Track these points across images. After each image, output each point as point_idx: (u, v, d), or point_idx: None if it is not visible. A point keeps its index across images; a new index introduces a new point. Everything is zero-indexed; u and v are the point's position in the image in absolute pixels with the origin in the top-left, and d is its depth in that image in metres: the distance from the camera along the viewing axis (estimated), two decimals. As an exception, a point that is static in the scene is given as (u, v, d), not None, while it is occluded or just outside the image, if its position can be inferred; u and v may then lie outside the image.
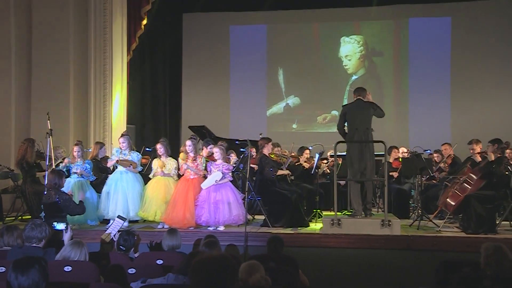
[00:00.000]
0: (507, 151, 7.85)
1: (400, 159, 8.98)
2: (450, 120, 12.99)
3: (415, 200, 8.76)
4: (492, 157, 6.98)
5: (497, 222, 7.07)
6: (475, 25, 12.83)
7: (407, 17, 13.25)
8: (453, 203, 7.09)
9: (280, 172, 7.96)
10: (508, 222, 7.43)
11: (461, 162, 8.45)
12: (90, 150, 8.55)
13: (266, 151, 7.88)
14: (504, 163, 7.08)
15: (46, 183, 6.80)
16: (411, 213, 8.60)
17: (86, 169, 7.57)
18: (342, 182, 8.23)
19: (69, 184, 7.36)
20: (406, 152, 9.27)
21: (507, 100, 12.73)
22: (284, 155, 8.56)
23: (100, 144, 8.51)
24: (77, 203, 6.50)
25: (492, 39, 12.71)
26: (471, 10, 12.87)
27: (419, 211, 7.71)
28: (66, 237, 4.94)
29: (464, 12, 12.93)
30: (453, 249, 6.41)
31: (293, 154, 8.90)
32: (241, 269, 3.60)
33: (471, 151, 7.43)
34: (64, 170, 7.56)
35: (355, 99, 7.32)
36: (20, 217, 8.29)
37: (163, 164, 7.58)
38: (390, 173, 8.78)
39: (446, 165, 8.65)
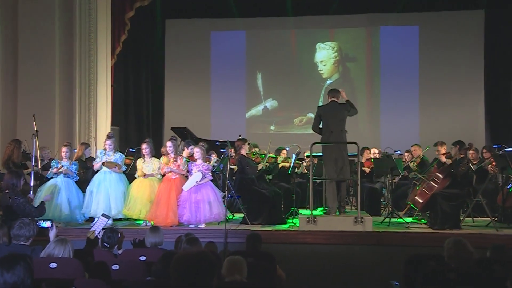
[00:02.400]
0: (470, 151, 8.12)
1: (372, 159, 9.25)
2: (419, 122, 13.40)
3: (386, 198, 9.04)
4: (450, 159, 7.29)
5: (461, 219, 7.36)
6: (440, 34, 13.28)
7: (379, 25, 13.64)
8: (421, 201, 7.37)
9: (260, 166, 8.14)
10: (471, 218, 7.78)
11: (429, 162, 8.71)
12: (75, 151, 8.62)
13: (244, 151, 8.07)
14: (464, 163, 7.27)
15: (2, 183, 6.48)
16: (382, 211, 8.85)
17: (72, 169, 7.72)
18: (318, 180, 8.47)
19: (55, 183, 7.58)
20: (378, 153, 9.57)
21: (470, 104, 13.23)
22: (263, 154, 8.75)
23: (85, 145, 8.67)
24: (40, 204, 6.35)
25: (456, 47, 13.18)
26: (437, 20, 13.31)
27: (390, 209, 7.98)
28: (52, 234, 4.98)
29: (431, 22, 13.35)
30: (421, 244, 6.64)
31: (270, 154, 9.03)
32: (224, 264, 3.76)
33: (436, 152, 7.72)
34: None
35: (329, 100, 7.55)
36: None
37: (142, 173, 7.68)
38: (363, 168, 9.08)
39: (415, 164, 9.01)
